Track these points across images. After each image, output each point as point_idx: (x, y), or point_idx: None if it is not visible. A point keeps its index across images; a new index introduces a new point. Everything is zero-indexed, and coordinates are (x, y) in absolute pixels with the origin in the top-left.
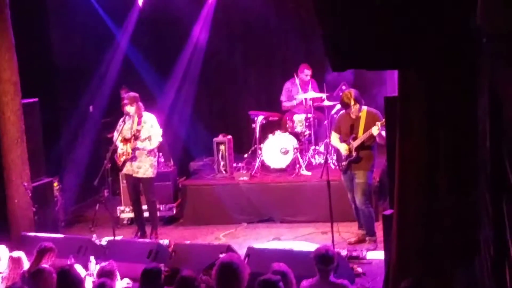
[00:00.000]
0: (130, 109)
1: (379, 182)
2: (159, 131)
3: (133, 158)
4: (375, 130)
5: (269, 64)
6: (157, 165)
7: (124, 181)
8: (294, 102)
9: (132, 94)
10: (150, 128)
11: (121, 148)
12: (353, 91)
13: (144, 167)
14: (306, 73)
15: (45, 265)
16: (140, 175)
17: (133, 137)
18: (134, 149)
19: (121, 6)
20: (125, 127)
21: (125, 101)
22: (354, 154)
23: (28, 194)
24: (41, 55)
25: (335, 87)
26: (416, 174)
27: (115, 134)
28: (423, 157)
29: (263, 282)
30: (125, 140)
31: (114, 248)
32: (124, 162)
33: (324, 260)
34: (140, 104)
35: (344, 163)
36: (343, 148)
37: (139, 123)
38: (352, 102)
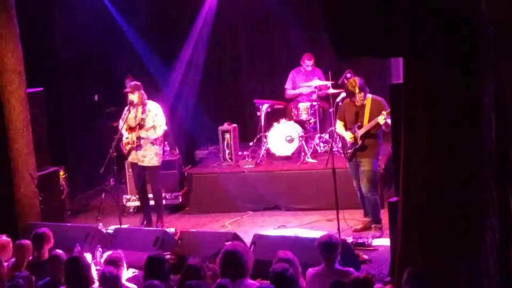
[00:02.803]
0: (132, 97)
1: (384, 169)
2: (164, 119)
3: (138, 147)
4: (381, 119)
5: (274, 52)
6: (162, 153)
7: (130, 170)
8: (298, 91)
9: (134, 82)
10: (154, 117)
11: (126, 137)
12: (358, 79)
13: (149, 156)
14: (307, 63)
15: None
16: (145, 163)
17: (138, 126)
18: (139, 138)
19: None
20: (130, 116)
21: (127, 89)
22: (359, 142)
23: (34, 183)
24: (46, 45)
25: (339, 75)
26: (421, 164)
27: (120, 122)
28: (427, 148)
29: (277, 275)
30: (131, 129)
31: (120, 236)
32: (130, 151)
33: (327, 247)
34: (143, 92)
35: (349, 151)
36: (348, 136)
37: (143, 112)
38: (357, 90)
